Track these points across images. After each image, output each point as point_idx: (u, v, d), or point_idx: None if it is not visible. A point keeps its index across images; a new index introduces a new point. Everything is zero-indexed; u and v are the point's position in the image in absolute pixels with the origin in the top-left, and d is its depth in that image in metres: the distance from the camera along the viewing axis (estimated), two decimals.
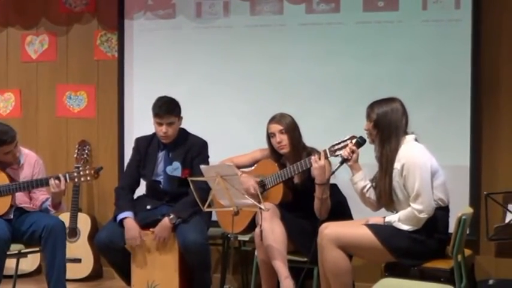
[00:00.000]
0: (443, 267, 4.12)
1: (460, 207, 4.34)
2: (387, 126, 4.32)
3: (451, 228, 4.14)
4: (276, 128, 4.90)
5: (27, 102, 6.62)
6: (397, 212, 4.32)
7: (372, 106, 4.42)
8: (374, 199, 4.44)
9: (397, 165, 4.27)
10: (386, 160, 4.31)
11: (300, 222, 4.71)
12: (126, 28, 6.28)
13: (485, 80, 5.43)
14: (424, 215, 4.18)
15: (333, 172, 4.55)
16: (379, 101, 4.42)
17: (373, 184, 4.45)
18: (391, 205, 4.36)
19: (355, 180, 4.50)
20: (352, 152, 4.47)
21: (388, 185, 4.29)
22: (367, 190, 4.46)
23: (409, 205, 4.22)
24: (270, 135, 4.94)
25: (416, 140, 4.39)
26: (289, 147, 4.89)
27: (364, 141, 4.49)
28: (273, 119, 4.94)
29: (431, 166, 4.28)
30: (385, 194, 4.31)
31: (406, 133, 4.37)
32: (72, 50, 6.51)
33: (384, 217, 4.38)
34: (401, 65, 5.57)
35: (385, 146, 4.32)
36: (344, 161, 4.50)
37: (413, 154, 4.27)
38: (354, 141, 4.51)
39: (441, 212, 4.29)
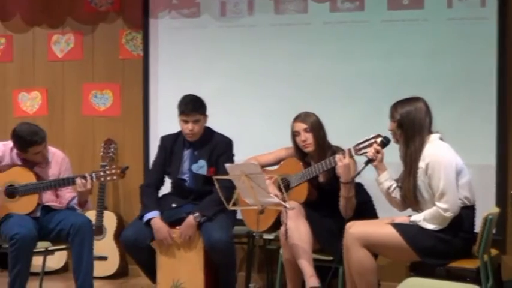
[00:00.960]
0: (469, 267, 4.10)
1: (487, 207, 4.33)
2: (411, 125, 4.31)
3: (477, 227, 4.12)
4: (300, 126, 4.90)
5: (53, 101, 6.67)
6: (422, 212, 4.30)
7: (395, 106, 4.41)
8: (400, 199, 4.43)
9: (421, 164, 4.26)
10: (410, 160, 4.30)
11: (325, 221, 4.72)
12: (151, 27, 6.30)
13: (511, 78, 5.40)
14: (449, 214, 4.16)
15: (359, 173, 4.55)
16: (403, 101, 4.42)
17: (399, 184, 4.44)
18: (416, 205, 4.35)
19: (381, 181, 4.49)
20: (377, 152, 4.47)
21: (413, 184, 4.28)
22: (393, 190, 4.45)
23: (435, 204, 4.20)
24: (294, 134, 4.94)
25: (441, 139, 4.37)
26: (313, 145, 4.89)
27: (389, 141, 4.49)
28: (298, 118, 4.94)
29: (456, 165, 4.27)
30: (410, 194, 4.30)
31: (430, 132, 4.36)
32: (98, 49, 6.54)
33: (410, 216, 4.37)
34: (427, 63, 5.55)
35: (409, 146, 4.31)
36: (369, 161, 4.50)
37: (438, 153, 4.26)
38: (378, 141, 4.50)
39: (466, 211, 4.27)
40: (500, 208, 4.42)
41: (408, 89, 5.46)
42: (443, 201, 4.17)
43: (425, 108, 4.37)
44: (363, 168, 4.52)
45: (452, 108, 5.42)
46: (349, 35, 5.75)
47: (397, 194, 4.44)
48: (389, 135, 4.47)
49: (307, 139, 4.88)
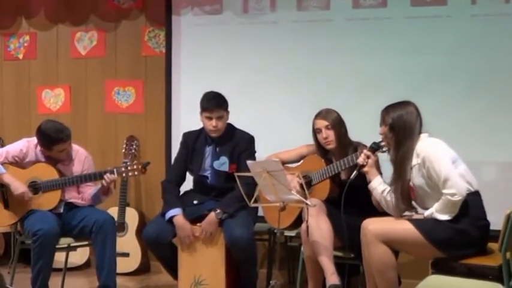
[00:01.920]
0: (491, 265, 4.06)
1: (509, 204, 4.29)
2: (402, 129, 4.34)
3: (498, 225, 4.07)
4: (322, 123, 4.89)
5: (76, 98, 6.71)
6: (427, 209, 4.30)
7: (387, 110, 4.44)
8: (394, 203, 4.41)
9: (417, 161, 4.29)
10: (400, 163, 4.32)
11: (346, 219, 4.69)
12: (174, 24, 6.32)
13: None
14: (457, 198, 4.15)
15: (350, 179, 4.54)
16: (394, 105, 4.44)
17: (392, 188, 4.43)
18: (409, 205, 4.37)
19: (374, 186, 4.50)
20: (368, 157, 4.50)
21: (403, 186, 4.30)
22: (387, 194, 4.44)
23: (440, 196, 4.19)
24: (316, 131, 4.93)
25: (430, 136, 4.40)
26: (335, 142, 4.88)
27: (378, 146, 4.51)
28: (319, 115, 4.93)
29: (452, 153, 4.31)
30: (402, 196, 4.32)
31: (420, 133, 4.38)
32: (121, 46, 6.58)
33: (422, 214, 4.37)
34: (450, 60, 5.51)
35: (399, 149, 4.34)
36: (360, 167, 4.51)
37: (430, 145, 4.30)
38: (368, 147, 4.54)
39: (472, 197, 4.26)
40: None
41: (431, 86, 5.50)
42: (449, 187, 4.16)
43: (415, 111, 4.40)
44: (354, 175, 4.53)
45: (475, 104, 5.40)
46: (372, 32, 5.73)
47: (392, 198, 4.42)
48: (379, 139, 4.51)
49: (328, 136, 4.87)
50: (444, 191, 4.18)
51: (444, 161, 4.22)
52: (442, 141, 4.36)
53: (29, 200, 5.15)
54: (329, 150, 4.93)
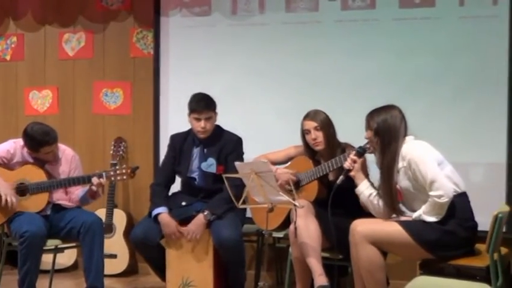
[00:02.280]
0: (479, 266, 4.07)
1: (497, 205, 4.30)
2: (387, 133, 4.35)
3: (486, 225, 4.09)
4: (310, 124, 4.89)
5: (64, 99, 6.69)
6: (415, 211, 4.31)
7: (371, 114, 4.44)
8: (382, 206, 4.42)
9: (402, 164, 4.29)
10: (387, 167, 4.33)
11: (335, 220, 4.69)
12: (162, 25, 6.31)
13: None
14: (444, 199, 4.16)
15: (337, 184, 4.54)
16: (378, 109, 4.45)
17: (379, 192, 4.43)
18: (397, 208, 4.37)
19: (361, 190, 4.51)
20: (354, 162, 4.50)
21: (390, 189, 4.31)
22: (374, 197, 4.45)
23: (427, 198, 4.20)
24: (304, 132, 4.93)
25: (415, 139, 4.40)
26: (324, 144, 4.88)
27: (364, 150, 4.52)
28: (307, 116, 4.93)
29: (437, 155, 4.31)
30: (389, 200, 4.33)
31: (405, 136, 4.39)
32: (109, 48, 6.56)
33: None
34: (438, 61, 5.54)
35: (385, 153, 4.35)
36: (347, 171, 4.52)
37: (415, 148, 4.30)
38: (353, 151, 4.53)
39: (459, 198, 4.26)
40: (510, 206, 4.38)
41: (420, 87, 5.52)
42: (435, 188, 4.17)
43: (400, 115, 4.41)
44: (341, 180, 4.53)
45: (463, 106, 5.43)
46: (361, 33, 5.75)
47: (379, 202, 4.43)
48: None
49: (317, 137, 4.87)
50: (431, 193, 4.19)
51: (429, 163, 4.23)
52: (427, 144, 4.36)
53: (14, 204, 5.12)
54: (317, 151, 4.93)
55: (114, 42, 6.53)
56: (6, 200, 5.08)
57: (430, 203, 4.21)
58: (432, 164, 4.23)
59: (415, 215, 4.31)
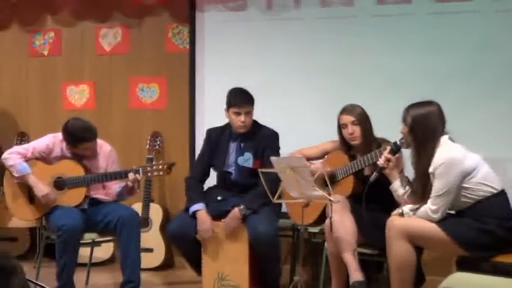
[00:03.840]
0: None
1: None
2: (423, 131, 4.23)
3: None
4: (348, 119, 4.87)
5: (100, 94, 6.75)
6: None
7: (408, 109, 4.31)
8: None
9: (431, 170, 4.19)
10: (422, 167, 4.23)
11: (370, 215, 4.68)
12: (198, 20, 6.32)
13: None
14: (436, 216, 4.14)
15: (370, 181, 4.50)
16: (416, 104, 4.31)
17: (413, 189, 4.38)
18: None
19: (394, 188, 4.46)
20: (388, 160, 4.44)
21: (423, 191, 4.23)
22: (408, 196, 4.40)
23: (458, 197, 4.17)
24: (341, 127, 4.91)
25: (451, 139, 4.27)
26: (360, 138, 4.86)
27: (399, 147, 4.43)
28: (344, 110, 4.91)
29: (468, 167, 4.17)
30: (423, 198, 4.25)
31: (442, 135, 4.27)
32: (145, 42, 6.60)
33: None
34: (475, 56, 5.46)
35: (420, 153, 4.24)
36: (380, 169, 4.47)
37: (447, 157, 4.16)
38: (388, 148, 4.47)
39: (497, 198, 4.19)
40: None
41: (454, 83, 5.46)
42: (436, 204, 4.15)
43: (438, 112, 4.27)
44: (374, 177, 4.48)
45: (501, 101, 5.35)
46: (396, 28, 5.71)
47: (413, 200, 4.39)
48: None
49: (354, 132, 4.85)
50: (430, 205, 4.16)
51: (450, 179, 4.13)
52: (462, 149, 4.23)
53: (53, 201, 5.19)
54: (353, 146, 4.92)
55: (150, 37, 6.57)
56: (47, 198, 5.16)
57: (424, 211, 4.19)
58: (453, 180, 4.12)
59: (420, 211, 4.26)
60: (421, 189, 4.27)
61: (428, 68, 5.60)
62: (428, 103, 4.32)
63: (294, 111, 5.94)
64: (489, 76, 5.43)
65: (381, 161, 4.47)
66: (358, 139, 4.86)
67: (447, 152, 4.18)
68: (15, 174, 5.23)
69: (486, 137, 5.29)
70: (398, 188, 4.45)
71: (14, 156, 5.26)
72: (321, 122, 5.60)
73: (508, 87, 5.39)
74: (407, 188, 4.43)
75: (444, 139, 4.25)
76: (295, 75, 5.97)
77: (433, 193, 4.16)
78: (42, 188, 5.19)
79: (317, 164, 4.96)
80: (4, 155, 5.31)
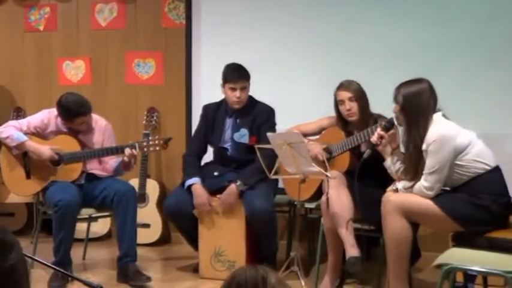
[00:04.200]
0: None
1: None
2: (414, 109, 4.21)
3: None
4: (345, 95, 4.85)
5: (97, 70, 6.73)
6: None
7: (398, 88, 4.29)
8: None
9: (424, 147, 4.18)
10: (414, 145, 4.22)
11: (366, 191, 4.69)
12: None
13: None
14: (430, 193, 4.16)
15: (364, 158, 4.48)
16: (407, 82, 4.29)
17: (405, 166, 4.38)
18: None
19: (387, 165, 4.46)
20: (381, 137, 4.42)
21: (415, 167, 4.22)
22: (401, 172, 4.39)
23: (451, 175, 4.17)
24: (338, 103, 4.89)
25: (444, 115, 4.26)
26: (358, 114, 4.85)
27: (392, 124, 4.41)
28: (342, 86, 4.89)
29: (460, 143, 4.16)
30: (415, 175, 4.24)
31: (434, 112, 4.24)
32: (141, 18, 6.57)
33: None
34: (474, 29, 5.41)
35: (412, 131, 4.22)
36: (373, 146, 4.46)
37: (439, 133, 4.15)
38: (381, 125, 4.45)
39: (492, 174, 4.18)
40: None
41: (454, 56, 5.42)
42: (429, 180, 4.15)
43: (429, 89, 4.24)
44: (367, 154, 4.47)
45: (498, 74, 5.31)
46: (396, 1, 5.66)
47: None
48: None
49: (351, 108, 4.84)
50: (423, 182, 4.17)
51: (443, 156, 4.13)
52: (455, 125, 4.22)
53: (56, 162, 5.18)
54: (350, 122, 4.91)
55: (146, 12, 6.53)
56: (52, 158, 5.17)
57: (418, 188, 4.19)
58: (446, 157, 4.12)
59: (400, 186, 4.29)
60: (413, 166, 4.26)
61: (427, 42, 5.54)
62: (419, 81, 4.29)
63: (291, 85, 5.90)
64: (488, 49, 5.38)
65: (374, 138, 4.46)
66: (356, 115, 4.85)
67: (439, 129, 4.17)
68: (13, 144, 5.20)
69: (485, 110, 5.27)
70: (391, 165, 4.45)
71: (9, 129, 5.25)
72: (319, 97, 5.56)
73: (506, 61, 5.34)
74: (399, 165, 4.42)
75: (437, 116, 4.23)
76: (292, 49, 5.93)
77: (426, 170, 4.16)
78: (42, 151, 5.17)
79: (314, 145, 4.94)
80: None
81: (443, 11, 5.52)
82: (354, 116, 4.85)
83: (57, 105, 5.24)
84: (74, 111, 5.18)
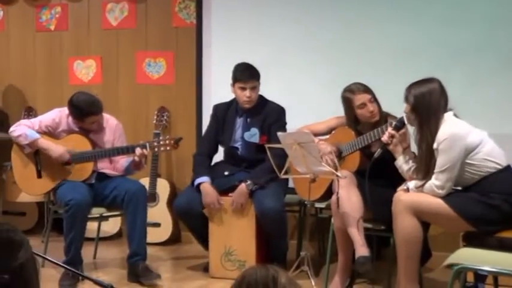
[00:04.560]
0: None
1: None
2: (425, 109, 4.21)
3: None
4: (365, 97, 4.80)
5: (107, 69, 6.74)
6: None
7: (409, 88, 4.29)
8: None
9: (435, 146, 4.18)
10: (426, 144, 4.22)
11: (377, 190, 4.68)
12: None
13: None
14: (441, 192, 4.15)
15: (374, 157, 4.49)
16: (417, 82, 4.29)
17: (416, 165, 4.37)
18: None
19: (399, 164, 4.46)
20: (392, 136, 4.43)
21: (425, 168, 4.22)
22: (412, 172, 4.39)
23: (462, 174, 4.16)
24: (359, 107, 4.79)
25: (455, 115, 4.26)
26: (379, 114, 4.83)
27: (403, 124, 4.42)
28: (357, 90, 4.80)
29: (471, 142, 4.16)
30: (427, 175, 4.23)
31: (445, 112, 4.24)
32: (151, 17, 6.57)
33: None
34: (484, 30, 5.38)
35: (424, 130, 4.22)
36: (384, 145, 4.46)
37: (450, 132, 4.15)
38: (392, 125, 4.45)
39: (503, 174, 4.18)
40: None
41: (464, 56, 5.40)
42: (440, 179, 4.15)
43: (439, 89, 4.24)
44: (378, 153, 4.48)
45: (508, 75, 5.30)
46: (403, 1, 5.65)
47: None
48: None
49: (374, 109, 4.81)
50: (435, 181, 4.16)
51: (453, 154, 4.12)
52: (466, 124, 4.22)
53: (69, 161, 5.19)
54: (360, 121, 4.89)
55: (157, 12, 6.54)
56: (65, 156, 5.19)
57: (429, 187, 4.19)
58: (456, 155, 4.12)
59: (426, 187, 4.26)
60: (425, 165, 4.26)
61: (437, 42, 5.51)
62: (430, 80, 4.29)
63: (301, 85, 5.90)
64: (498, 50, 5.36)
65: (384, 137, 4.47)
66: (378, 115, 4.82)
67: (450, 128, 4.17)
68: (25, 142, 5.23)
69: (495, 111, 5.26)
70: (402, 164, 4.45)
71: (21, 127, 5.27)
72: (328, 97, 5.51)
73: None
74: (411, 164, 4.42)
75: (448, 115, 4.24)
76: (303, 50, 5.92)
77: (437, 169, 4.16)
78: (56, 149, 5.20)
79: (324, 144, 4.93)
80: (11, 128, 5.33)
81: (455, 10, 5.49)
82: (376, 116, 4.81)
83: (69, 104, 5.26)
84: (85, 110, 5.19)
